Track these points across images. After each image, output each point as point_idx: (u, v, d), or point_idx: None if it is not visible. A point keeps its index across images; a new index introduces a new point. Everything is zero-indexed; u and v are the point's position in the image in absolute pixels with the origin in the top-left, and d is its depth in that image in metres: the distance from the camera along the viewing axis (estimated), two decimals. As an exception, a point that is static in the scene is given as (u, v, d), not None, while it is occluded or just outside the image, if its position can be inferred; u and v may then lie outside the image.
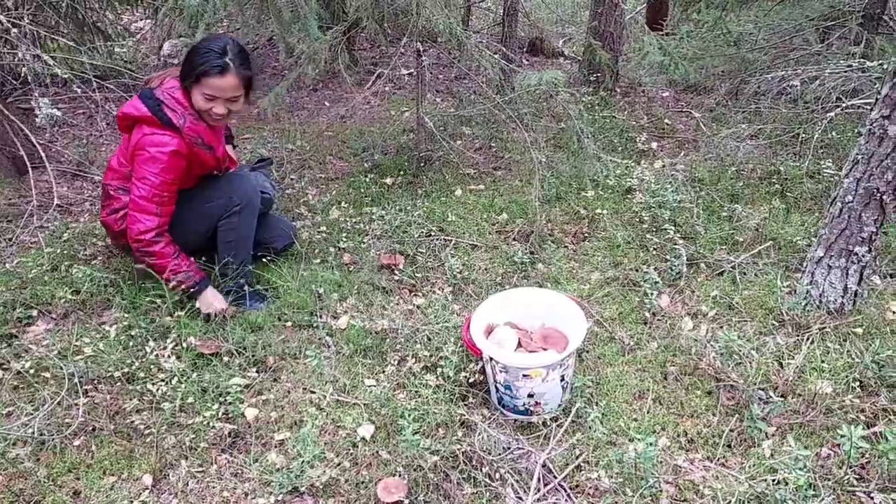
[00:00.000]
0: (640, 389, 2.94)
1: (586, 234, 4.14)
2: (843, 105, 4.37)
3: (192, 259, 3.25)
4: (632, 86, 6.96)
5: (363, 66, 7.21)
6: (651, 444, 2.42)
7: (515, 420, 2.78)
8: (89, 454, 2.60)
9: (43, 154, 4.19)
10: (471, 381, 2.89)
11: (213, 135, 3.22)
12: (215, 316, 3.25)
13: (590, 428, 2.67)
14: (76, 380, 2.85)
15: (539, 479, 2.46)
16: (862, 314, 3.24)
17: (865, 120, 2.97)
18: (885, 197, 2.95)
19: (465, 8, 7.43)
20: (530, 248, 3.91)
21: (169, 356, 2.87)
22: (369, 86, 5.69)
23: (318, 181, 4.77)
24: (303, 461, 2.47)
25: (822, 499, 2.36)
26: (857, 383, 2.84)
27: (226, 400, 2.79)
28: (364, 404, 2.82)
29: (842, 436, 2.41)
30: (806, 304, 3.30)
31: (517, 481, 2.49)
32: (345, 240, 3.98)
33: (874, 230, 3.06)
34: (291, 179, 4.78)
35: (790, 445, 2.55)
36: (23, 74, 4.05)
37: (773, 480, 2.44)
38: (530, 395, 2.69)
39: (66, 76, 3.89)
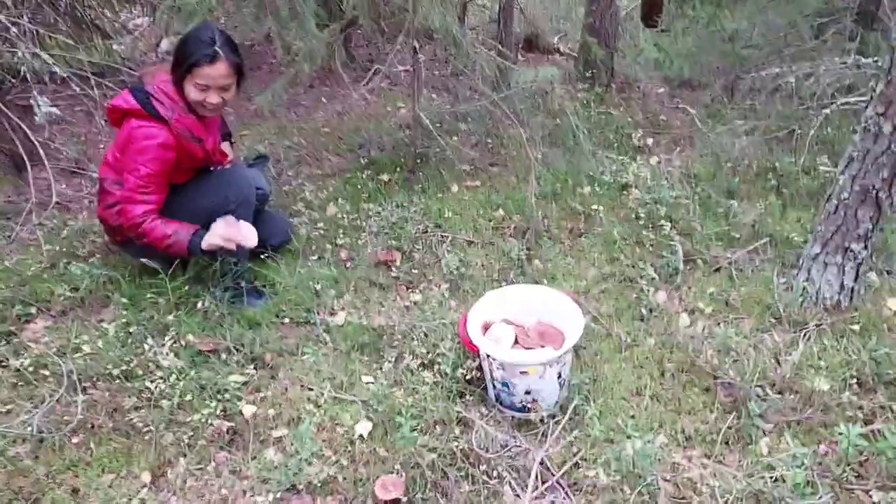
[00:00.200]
0: (637, 386, 2.95)
1: (582, 231, 4.14)
2: (839, 102, 4.37)
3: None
4: (627, 82, 6.95)
5: (360, 63, 7.19)
6: (648, 441, 2.44)
7: (513, 417, 2.79)
8: (88, 452, 2.60)
9: (41, 151, 4.17)
10: (468, 378, 2.89)
11: (202, 127, 3.22)
12: (226, 252, 3.19)
13: (587, 425, 2.68)
14: (75, 377, 2.85)
15: (537, 477, 2.47)
16: (859, 311, 3.25)
17: (861, 117, 2.97)
18: (880, 194, 2.96)
19: (461, 5, 7.42)
20: (527, 244, 3.91)
21: (167, 353, 2.88)
22: (366, 82, 5.66)
23: (315, 178, 4.77)
24: (300, 458, 2.48)
25: (820, 496, 2.37)
26: (855, 380, 2.86)
27: (224, 397, 2.80)
28: (361, 401, 2.82)
29: (840, 433, 2.42)
30: (803, 301, 3.31)
31: (515, 479, 2.50)
32: (342, 236, 3.98)
33: (870, 227, 3.07)
34: (288, 176, 4.77)
35: (788, 443, 2.56)
36: (21, 72, 4.04)
37: (771, 478, 2.45)
38: (527, 392, 2.70)
39: (64, 74, 3.88)
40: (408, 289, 3.62)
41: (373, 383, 2.91)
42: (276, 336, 3.20)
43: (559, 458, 2.59)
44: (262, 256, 3.62)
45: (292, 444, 2.60)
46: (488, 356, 2.69)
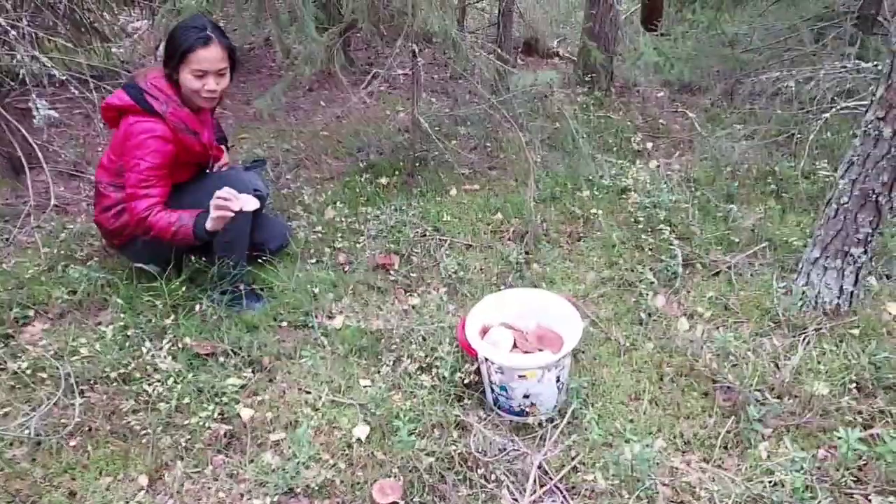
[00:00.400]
0: (635, 390, 2.95)
1: (581, 234, 4.14)
2: (839, 106, 4.37)
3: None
4: (626, 86, 6.96)
5: (359, 67, 7.21)
6: (647, 445, 2.43)
7: (511, 421, 2.79)
8: (85, 455, 2.60)
9: (40, 154, 4.17)
10: (466, 381, 2.89)
11: (196, 121, 3.22)
12: (230, 223, 3.08)
13: (585, 429, 2.67)
14: (72, 380, 2.85)
15: (535, 481, 2.47)
16: (858, 315, 3.24)
17: (860, 121, 2.97)
18: (880, 198, 2.96)
19: (461, 9, 7.43)
20: (525, 248, 3.91)
21: (165, 357, 2.87)
22: (365, 86, 5.68)
23: (314, 181, 4.77)
24: (298, 462, 2.48)
25: (819, 501, 2.36)
26: (854, 385, 2.85)
27: (221, 400, 2.79)
28: (359, 405, 2.82)
29: (839, 438, 2.42)
30: (802, 305, 3.30)
31: (513, 483, 2.50)
32: (340, 240, 3.98)
33: (870, 231, 3.06)
34: (287, 179, 4.77)
35: (787, 447, 2.56)
36: (20, 75, 4.04)
37: (770, 482, 2.45)
38: (526, 396, 2.69)
39: (63, 77, 3.88)
40: (406, 292, 3.62)
41: (371, 387, 2.90)
42: (273, 339, 3.20)
43: (557, 462, 2.59)
44: (259, 260, 3.62)
45: (290, 448, 2.60)
46: (486, 360, 2.69)
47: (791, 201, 4.35)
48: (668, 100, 6.60)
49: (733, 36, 6.38)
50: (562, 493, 2.47)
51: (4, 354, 3.01)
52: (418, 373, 2.95)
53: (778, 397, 2.80)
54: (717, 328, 3.28)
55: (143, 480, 2.50)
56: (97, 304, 3.40)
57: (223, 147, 3.70)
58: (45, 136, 4.72)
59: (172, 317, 3.21)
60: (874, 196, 2.96)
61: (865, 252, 3.14)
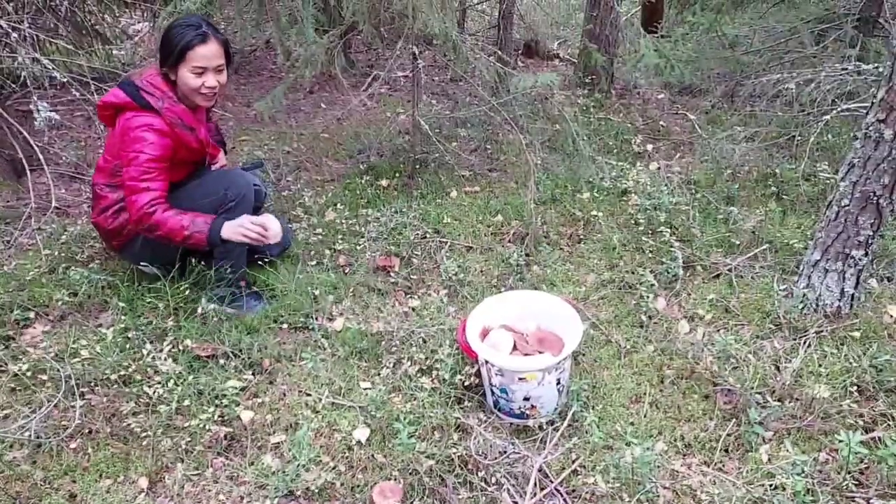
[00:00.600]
0: (636, 393, 2.94)
1: (582, 237, 4.14)
2: (839, 108, 4.36)
3: (194, 211, 3.14)
4: (627, 88, 6.97)
5: (359, 69, 7.21)
6: (648, 448, 2.43)
7: (511, 424, 2.78)
8: (86, 457, 2.60)
9: (41, 156, 4.18)
10: (466, 384, 2.88)
11: (192, 117, 3.22)
12: (251, 237, 3.10)
13: (586, 432, 2.67)
14: (73, 382, 2.85)
15: (535, 484, 2.46)
16: (859, 318, 3.24)
17: (861, 123, 2.97)
18: (881, 200, 2.96)
19: (461, 11, 7.43)
20: (526, 250, 3.90)
21: (165, 359, 2.86)
22: (365, 88, 5.68)
23: (314, 183, 4.77)
24: (298, 464, 2.48)
25: None
26: (855, 388, 2.85)
27: (222, 403, 2.79)
28: (359, 407, 2.82)
29: (840, 441, 2.41)
30: (803, 308, 3.30)
31: (513, 486, 2.49)
32: (340, 242, 3.98)
33: (871, 233, 3.06)
34: (288, 181, 4.77)
35: (788, 450, 2.55)
36: (21, 77, 4.04)
37: (771, 486, 2.45)
38: (526, 399, 2.69)
39: (64, 79, 3.89)
40: (406, 294, 3.62)
41: (371, 389, 2.90)
42: (274, 341, 3.20)
43: (558, 465, 2.59)
44: (260, 263, 3.62)
45: (290, 450, 2.59)
46: (487, 362, 2.69)
47: (792, 203, 4.35)
48: (669, 102, 6.60)
49: (734, 38, 6.38)
50: (562, 496, 2.47)
51: (5, 356, 3.00)
52: (418, 375, 2.95)
53: (779, 400, 2.80)
54: (718, 331, 3.28)
55: (144, 483, 2.50)
56: (98, 306, 3.40)
57: (222, 155, 3.69)
58: (46, 138, 4.73)
59: (173, 319, 3.21)
60: (875, 198, 2.96)
61: (866, 254, 3.14)
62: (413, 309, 3.47)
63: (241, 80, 6.75)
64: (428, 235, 4.08)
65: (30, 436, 2.60)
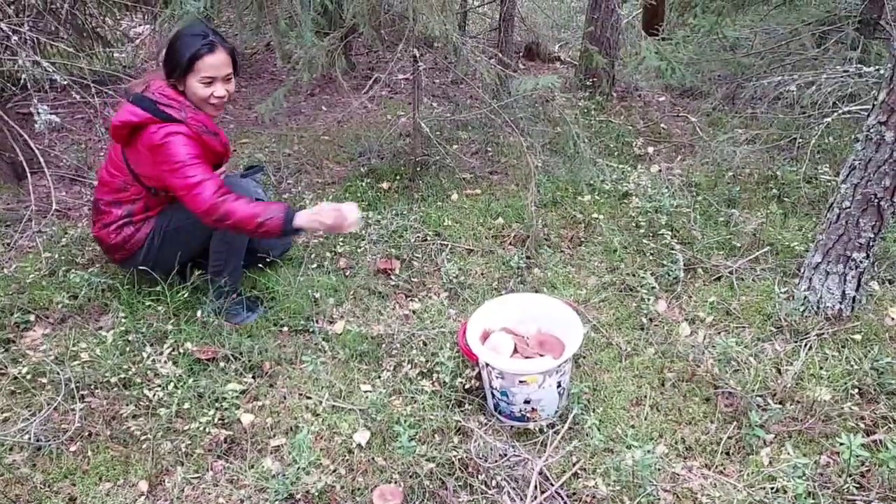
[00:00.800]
0: (637, 396, 2.94)
1: (583, 239, 4.13)
2: (840, 110, 4.37)
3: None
4: (628, 90, 6.96)
5: (360, 72, 7.22)
6: (649, 451, 2.42)
7: (512, 426, 2.78)
8: (85, 460, 2.60)
9: (41, 159, 4.18)
10: (467, 387, 2.88)
11: (213, 123, 3.18)
12: (327, 224, 2.99)
13: (587, 435, 2.66)
14: (73, 385, 2.84)
15: (536, 487, 2.46)
16: (860, 320, 3.24)
17: (862, 125, 2.96)
18: (882, 203, 2.95)
19: (462, 13, 7.44)
20: (526, 252, 3.90)
21: (166, 361, 2.86)
22: (366, 90, 5.68)
23: (315, 186, 4.77)
24: (298, 468, 2.47)
25: (820, 506, 2.36)
26: (857, 390, 2.84)
27: (222, 406, 2.79)
28: (360, 410, 2.81)
29: (841, 444, 2.40)
30: (804, 310, 3.30)
31: (514, 489, 2.49)
32: (341, 244, 3.98)
33: (872, 236, 3.05)
34: (288, 184, 4.77)
35: (789, 453, 2.55)
36: (22, 80, 4.04)
37: (772, 489, 2.44)
38: (527, 402, 2.68)
39: (64, 82, 3.88)
40: (407, 297, 3.61)
41: (371, 392, 2.90)
42: (274, 344, 3.20)
43: (558, 468, 2.58)
44: (260, 266, 3.61)
45: (290, 453, 2.59)
46: (487, 365, 2.68)
47: (793, 206, 4.34)
48: (670, 104, 6.60)
49: (735, 40, 6.40)
50: (563, 499, 2.46)
51: (5, 359, 3.00)
52: (419, 378, 2.95)
53: (780, 403, 2.79)
54: (719, 333, 3.27)
55: (143, 486, 2.50)
56: (98, 308, 3.40)
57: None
58: (47, 140, 4.74)
59: (173, 321, 3.20)
60: (876, 200, 2.96)
61: (867, 256, 3.13)
62: (414, 312, 3.46)
63: (241, 83, 6.74)
64: (429, 238, 4.08)
65: (29, 439, 2.60)
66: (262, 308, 3.45)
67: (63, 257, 3.71)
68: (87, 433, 2.70)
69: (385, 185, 4.72)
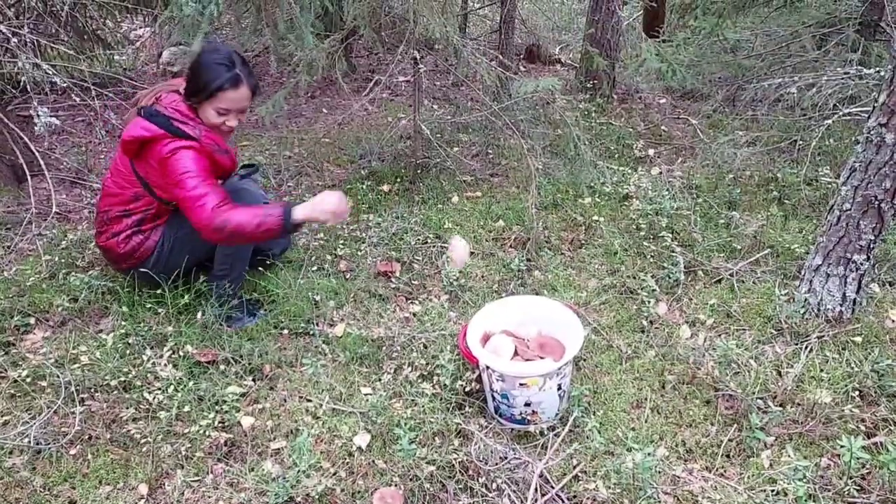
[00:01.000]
0: (637, 398, 2.94)
1: (583, 242, 4.13)
2: (841, 112, 4.36)
3: (263, 203, 3.11)
4: (628, 92, 6.97)
5: (360, 74, 7.22)
6: (649, 453, 2.42)
7: (512, 429, 2.77)
8: (85, 463, 2.59)
9: (42, 162, 4.18)
10: (467, 389, 2.88)
11: (224, 140, 3.19)
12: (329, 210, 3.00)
13: (587, 437, 2.66)
14: (73, 388, 2.84)
15: (536, 490, 2.45)
16: (861, 322, 3.23)
17: (863, 127, 2.96)
18: (883, 205, 2.95)
19: (462, 16, 7.44)
20: (527, 255, 3.90)
21: (166, 364, 2.86)
22: (366, 93, 5.67)
23: (316, 188, 4.76)
24: (298, 470, 2.46)
25: (821, 509, 2.36)
26: (857, 393, 2.84)
27: (222, 409, 2.79)
28: (360, 413, 2.81)
29: (842, 446, 2.40)
30: (804, 313, 3.29)
31: (514, 491, 2.48)
32: (341, 247, 3.98)
33: (872, 238, 3.05)
34: (289, 186, 4.77)
35: (789, 456, 2.54)
36: (22, 83, 4.05)
37: (773, 491, 2.44)
38: (527, 404, 2.68)
39: (65, 84, 3.89)
40: (407, 300, 3.61)
41: (372, 395, 2.89)
42: (274, 347, 3.20)
43: (559, 471, 2.58)
44: (261, 269, 3.61)
45: (290, 456, 2.58)
46: (488, 367, 2.68)
47: (793, 208, 4.34)
48: (670, 106, 6.60)
49: (735, 42, 6.39)
50: (563, 501, 2.46)
51: (5, 362, 3.00)
52: (419, 381, 2.94)
53: (780, 405, 2.79)
54: (720, 336, 3.27)
55: (144, 489, 2.49)
56: (98, 311, 3.39)
57: None
58: (47, 143, 4.74)
59: (173, 324, 3.20)
60: (877, 202, 2.95)
61: (868, 259, 3.13)
62: (414, 314, 3.46)
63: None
64: (429, 241, 4.08)
65: (29, 442, 2.60)
66: (262, 311, 3.45)
67: (63, 260, 3.71)
68: (86, 436, 2.70)
69: (385, 188, 4.72)
